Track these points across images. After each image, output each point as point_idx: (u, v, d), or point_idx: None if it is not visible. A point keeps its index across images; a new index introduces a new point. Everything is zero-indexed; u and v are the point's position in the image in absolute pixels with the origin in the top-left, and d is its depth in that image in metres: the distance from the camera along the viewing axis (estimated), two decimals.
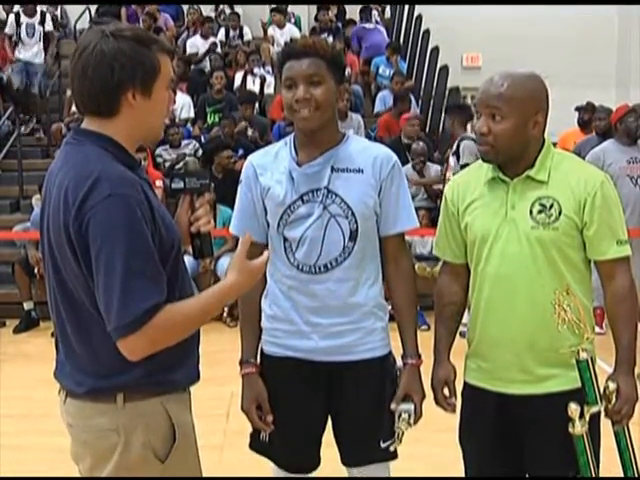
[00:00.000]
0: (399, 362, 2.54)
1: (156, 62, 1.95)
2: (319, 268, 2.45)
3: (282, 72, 2.43)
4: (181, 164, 2.21)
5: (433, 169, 8.35)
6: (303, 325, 2.48)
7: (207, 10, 12.92)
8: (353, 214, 2.43)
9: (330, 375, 2.50)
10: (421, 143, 8.47)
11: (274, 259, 2.52)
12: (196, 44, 11.61)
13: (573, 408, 2.24)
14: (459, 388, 2.55)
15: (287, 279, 2.49)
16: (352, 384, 2.49)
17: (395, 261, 2.53)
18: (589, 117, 8.30)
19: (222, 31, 12.15)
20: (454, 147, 6.89)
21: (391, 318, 2.54)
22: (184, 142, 9.37)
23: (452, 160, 6.82)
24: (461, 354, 2.59)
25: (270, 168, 2.44)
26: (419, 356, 2.52)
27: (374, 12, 12.28)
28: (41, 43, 11.15)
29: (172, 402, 1.99)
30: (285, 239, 2.48)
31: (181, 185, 2.18)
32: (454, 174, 6.54)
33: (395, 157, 2.52)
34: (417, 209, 7.86)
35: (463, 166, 6.59)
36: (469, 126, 7.33)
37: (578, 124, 8.59)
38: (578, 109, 8.57)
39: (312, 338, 2.48)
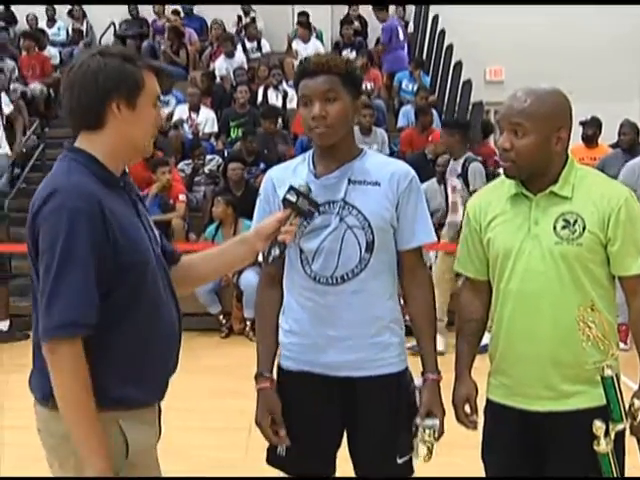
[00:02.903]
0: (416, 380, 2.54)
1: (140, 77, 2.05)
2: (336, 279, 2.46)
3: (298, 90, 2.48)
4: (299, 186, 2.35)
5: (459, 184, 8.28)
6: (318, 338, 2.49)
7: (230, 25, 12.99)
8: (369, 225, 2.44)
9: (345, 390, 2.50)
10: (445, 156, 8.46)
11: (290, 271, 2.54)
12: (223, 66, 11.62)
13: (598, 426, 2.23)
14: (481, 405, 2.54)
15: (304, 290, 2.51)
16: (368, 400, 2.49)
17: (412, 275, 2.54)
18: (593, 132, 8.25)
19: (239, 47, 12.19)
20: (458, 169, 6.70)
21: (408, 332, 2.54)
22: (207, 157, 9.45)
23: (458, 183, 6.63)
24: (481, 370, 2.58)
25: (288, 181, 2.46)
26: (439, 372, 2.51)
27: (399, 27, 12.28)
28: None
29: (128, 419, 2.02)
30: (301, 251, 2.50)
31: (293, 200, 2.34)
32: (463, 199, 6.50)
33: (413, 172, 2.53)
34: (441, 224, 7.91)
35: (473, 192, 6.56)
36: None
37: (582, 139, 8.52)
38: (582, 124, 8.48)
39: (327, 352, 2.48)
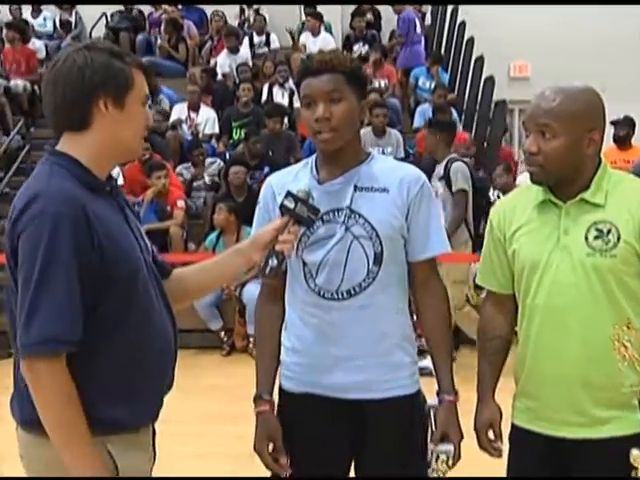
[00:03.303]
0: (429, 401, 2.53)
1: (129, 74, 2.06)
2: (342, 294, 2.46)
3: (300, 91, 2.48)
4: (297, 191, 2.34)
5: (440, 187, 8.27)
6: (324, 358, 2.49)
7: (231, 17, 13.00)
8: (377, 235, 2.44)
9: (353, 414, 2.49)
10: (467, 159, 8.46)
11: (293, 286, 2.54)
12: (226, 62, 11.64)
13: (636, 455, 2.21)
14: (505, 430, 2.54)
15: (307, 306, 2.51)
16: (377, 424, 2.48)
17: (425, 288, 2.54)
18: (626, 132, 8.22)
19: (246, 39, 12.22)
20: (440, 171, 6.67)
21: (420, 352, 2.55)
22: (208, 160, 9.47)
23: (440, 186, 6.57)
24: (505, 392, 2.57)
25: (288, 187, 2.46)
26: (456, 392, 2.51)
27: (415, 18, 12.30)
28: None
29: (117, 443, 2.01)
30: (304, 263, 2.50)
31: (291, 206, 2.32)
32: (444, 203, 6.49)
33: (424, 177, 2.53)
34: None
35: (456, 192, 6.55)
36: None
37: (614, 140, 8.48)
38: (614, 123, 8.43)
39: (333, 373, 2.48)
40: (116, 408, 2.00)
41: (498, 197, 7.76)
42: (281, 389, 2.59)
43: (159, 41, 12.30)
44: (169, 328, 2.14)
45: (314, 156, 2.58)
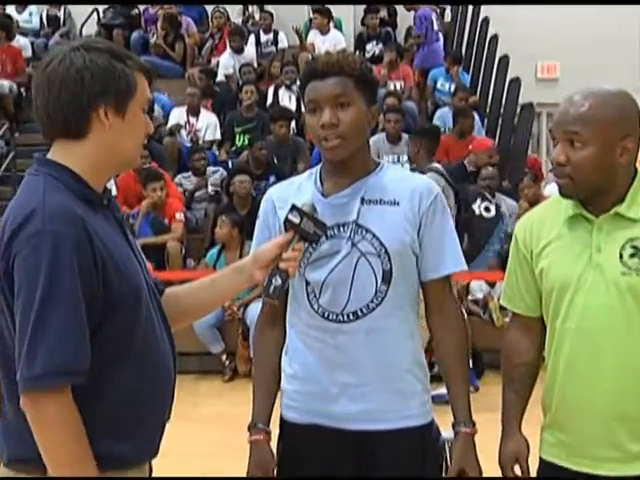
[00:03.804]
0: (444, 433, 2.53)
1: (132, 79, 2.03)
2: (347, 316, 2.47)
3: (305, 95, 2.49)
4: (302, 205, 2.35)
5: (506, 204, 8.28)
6: (329, 385, 2.49)
7: (234, 14, 13.01)
8: (386, 252, 2.45)
9: (360, 446, 2.49)
10: (490, 168, 8.48)
11: (295, 307, 2.55)
12: (230, 62, 11.65)
13: None
14: (533, 465, 2.53)
15: (310, 329, 2.51)
16: (387, 458, 2.48)
17: (440, 308, 2.54)
18: None
19: (252, 38, 12.23)
20: None
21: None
22: (210, 169, 9.44)
23: None
24: (532, 423, 2.57)
25: (290, 200, 2.46)
26: (473, 423, 2.51)
27: (433, 15, 12.31)
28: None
29: None
30: (307, 282, 2.50)
31: (296, 221, 2.31)
32: None
33: (437, 189, 2.54)
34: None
35: None
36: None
37: None
38: None
39: (340, 401, 2.48)
40: (119, 443, 1.99)
41: (525, 211, 7.75)
42: (282, 419, 2.59)
43: (155, 39, 12.26)
44: (169, 353, 2.14)
45: (319, 167, 2.59)
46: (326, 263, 2.47)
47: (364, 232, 2.45)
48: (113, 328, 1.97)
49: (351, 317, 2.46)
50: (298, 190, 2.56)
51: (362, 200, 2.47)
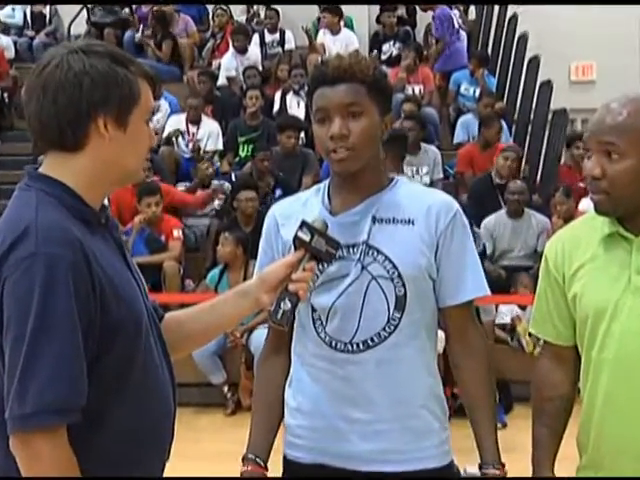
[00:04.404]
0: (469, 468, 2.52)
1: (135, 86, 2.03)
2: (357, 345, 2.47)
3: (312, 101, 2.49)
4: (313, 221, 2.34)
5: (536, 219, 8.29)
6: (337, 420, 2.49)
7: (237, 11, 13.03)
8: (400, 275, 2.45)
9: None
10: (518, 182, 8.49)
11: (300, 334, 2.56)
12: (232, 64, 11.63)
13: None
14: None
15: (317, 359, 2.52)
16: None
17: (461, 337, 2.55)
18: None
19: (256, 38, 12.24)
20: None
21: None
22: (214, 182, 9.42)
23: None
24: (567, 462, 2.57)
25: (296, 218, 2.47)
26: (503, 464, 2.50)
27: (454, 12, 12.33)
28: None
29: None
30: (313, 308, 2.51)
31: (307, 239, 2.31)
32: None
33: (456, 205, 2.54)
34: (514, 268, 7.84)
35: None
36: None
37: None
38: None
39: (349, 439, 2.48)
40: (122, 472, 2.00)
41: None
42: (285, 458, 2.60)
43: (139, 36, 12.22)
44: (169, 385, 2.15)
45: (326, 182, 2.59)
46: (334, 287, 2.47)
47: (375, 253, 2.46)
48: (111, 359, 1.97)
49: (361, 347, 2.47)
50: (304, 206, 2.57)
51: (373, 219, 2.48)
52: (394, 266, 2.45)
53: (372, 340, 2.46)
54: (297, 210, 2.56)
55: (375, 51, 12.16)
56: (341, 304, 2.47)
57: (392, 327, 2.46)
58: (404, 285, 2.45)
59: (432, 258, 2.47)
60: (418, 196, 2.55)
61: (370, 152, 2.47)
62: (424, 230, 2.47)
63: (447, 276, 2.50)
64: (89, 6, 13.05)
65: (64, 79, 1.97)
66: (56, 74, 1.97)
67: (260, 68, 11.58)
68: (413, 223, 2.48)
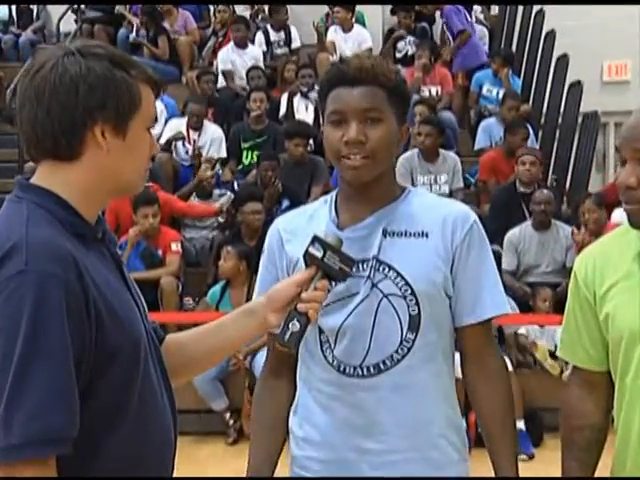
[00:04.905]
0: None
1: (136, 91, 2.03)
2: (367, 370, 2.48)
3: (326, 102, 2.50)
4: (326, 235, 2.34)
5: (564, 232, 8.28)
6: (347, 451, 2.50)
7: (240, 7, 13.04)
8: (413, 293, 2.45)
9: None
10: (545, 190, 8.46)
11: (306, 358, 2.57)
12: (229, 58, 11.63)
13: None
14: None
15: (325, 385, 2.53)
16: None
17: (478, 359, 2.55)
18: None
19: (260, 35, 12.27)
20: None
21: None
22: (216, 192, 9.43)
23: None
24: None
25: (301, 233, 2.49)
26: None
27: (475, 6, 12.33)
28: None
29: None
30: (320, 330, 2.51)
31: (319, 255, 2.30)
32: None
33: (473, 217, 2.55)
34: (540, 284, 7.81)
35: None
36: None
37: None
38: None
39: (360, 468, 2.49)
40: None
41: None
42: None
43: (133, 35, 12.22)
44: (169, 413, 2.15)
45: (334, 193, 2.60)
46: (342, 307, 2.48)
47: (386, 269, 2.46)
48: (106, 385, 1.97)
49: (372, 371, 2.47)
50: (310, 220, 2.59)
51: (384, 232, 2.49)
52: (407, 283, 2.45)
53: (384, 363, 2.47)
54: (302, 224, 2.58)
55: (392, 49, 12.11)
56: (350, 325, 2.47)
57: (405, 349, 2.47)
58: (418, 303, 2.46)
59: (448, 273, 2.48)
60: (432, 207, 2.55)
61: (385, 162, 2.48)
62: (439, 243, 2.48)
63: (464, 292, 2.50)
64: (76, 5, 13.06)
65: (59, 84, 1.96)
66: (50, 78, 1.97)
67: (262, 66, 11.53)
68: (427, 236, 2.49)
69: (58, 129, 1.98)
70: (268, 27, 12.43)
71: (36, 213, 1.97)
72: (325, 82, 2.52)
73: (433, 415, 2.50)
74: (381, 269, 2.46)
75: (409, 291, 2.45)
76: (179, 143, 10.22)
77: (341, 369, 2.49)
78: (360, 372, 2.48)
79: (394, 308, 2.46)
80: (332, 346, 2.50)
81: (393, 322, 2.46)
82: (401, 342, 2.46)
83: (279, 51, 12.30)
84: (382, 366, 2.47)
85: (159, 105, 10.27)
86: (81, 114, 1.97)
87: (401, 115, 2.50)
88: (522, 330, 7.68)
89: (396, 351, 2.46)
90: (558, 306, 7.28)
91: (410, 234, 2.49)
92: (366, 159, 2.43)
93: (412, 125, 9.75)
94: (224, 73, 11.59)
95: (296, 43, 12.42)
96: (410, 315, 2.46)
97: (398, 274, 2.46)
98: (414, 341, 2.46)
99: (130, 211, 8.35)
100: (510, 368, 7.06)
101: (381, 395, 2.47)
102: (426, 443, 2.49)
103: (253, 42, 12.00)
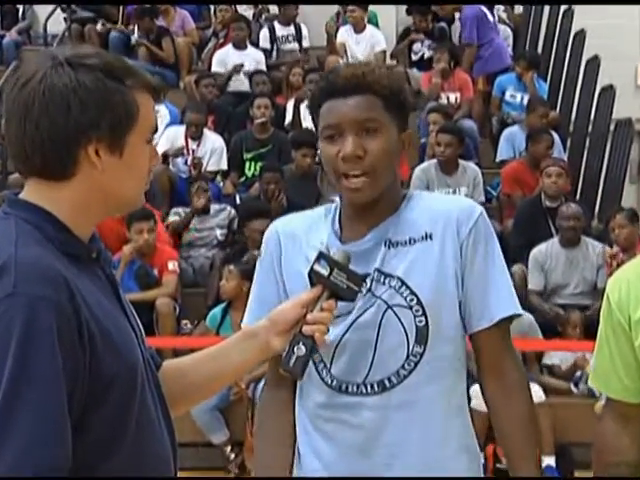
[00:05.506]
0: None
1: (132, 104, 2.01)
2: (371, 387, 2.47)
3: (319, 117, 2.50)
4: (333, 253, 2.35)
5: (594, 250, 8.26)
6: (353, 475, 2.49)
7: (243, 5, 13.05)
8: (419, 303, 2.45)
9: None
10: (573, 205, 8.44)
11: (304, 380, 2.54)
12: (226, 59, 11.67)
13: None
14: None
15: (323, 410, 2.53)
16: None
17: (495, 369, 2.54)
18: None
19: (264, 33, 12.27)
20: None
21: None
22: (215, 207, 9.38)
23: None
24: None
25: (301, 239, 2.50)
26: None
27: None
28: None
29: None
30: None
31: (325, 273, 2.29)
32: None
33: (478, 210, 2.55)
34: (569, 306, 7.83)
35: None
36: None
37: None
38: None
39: None
40: None
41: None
42: None
43: (135, 38, 12.24)
44: (168, 446, 2.14)
45: (336, 204, 2.61)
46: (340, 321, 2.46)
47: (389, 280, 2.46)
48: (101, 415, 1.97)
49: (376, 388, 2.47)
50: (309, 229, 2.59)
51: (388, 243, 2.49)
52: (412, 292, 2.45)
53: (389, 380, 2.47)
54: (302, 232, 2.58)
55: (400, 47, 12.12)
56: (350, 339, 2.47)
57: (413, 364, 2.46)
58: (425, 314, 2.45)
59: (458, 271, 2.48)
60: (434, 206, 2.56)
61: (388, 175, 2.48)
62: (445, 243, 2.48)
63: (472, 292, 2.49)
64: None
65: (49, 99, 1.95)
66: (39, 92, 1.96)
67: (264, 68, 11.54)
68: (431, 237, 2.49)
69: (48, 147, 1.97)
70: (275, 23, 12.42)
71: (25, 231, 1.97)
72: (315, 95, 2.53)
73: (444, 435, 2.50)
74: (383, 280, 2.47)
75: (415, 301, 2.45)
76: (179, 154, 10.21)
77: (341, 388, 2.49)
78: (363, 390, 2.47)
79: (399, 320, 2.45)
80: (328, 365, 2.50)
81: (399, 334, 2.46)
82: (408, 356, 2.46)
83: (287, 46, 12.26)
84: (387, 383, 2.47)
85: (163, 110, 10.29)
86: (73, 133, 1.96)
87: (401, 122, 2.50)
88: (555, 360, 7.68)
89: (402, 366, 2.46)
90: (587, 331, 7.28)
91: (414, 240, 2.49)
92: (366, 176, 2.42)
93: (425, 135, 9.78)
94: (214, 75, 11.52)
95: (306, 41, 12.40)
96: (417, 327, 2.45)
97: (403, 283, 2.46)
98: (422, 355, 2.46)
99: (120, 232, 8.35)
100: (542, 397, 7.04)
101: (387, 415, 2.47)
102: (437, 466, 2.48)
103: (254, 43, 12.02)
